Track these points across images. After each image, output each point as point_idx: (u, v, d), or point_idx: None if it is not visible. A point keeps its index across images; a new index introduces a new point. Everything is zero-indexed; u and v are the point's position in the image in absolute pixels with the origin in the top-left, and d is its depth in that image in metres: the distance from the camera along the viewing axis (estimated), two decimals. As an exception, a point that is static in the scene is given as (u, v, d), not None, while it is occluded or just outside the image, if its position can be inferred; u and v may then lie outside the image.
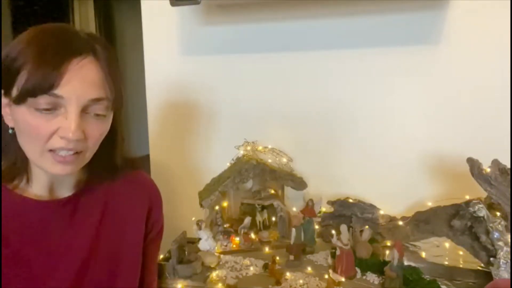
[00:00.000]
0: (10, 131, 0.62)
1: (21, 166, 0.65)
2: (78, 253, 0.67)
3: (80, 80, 0.58)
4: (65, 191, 0.70)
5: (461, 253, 1.03)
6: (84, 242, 0.69)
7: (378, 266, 0.99)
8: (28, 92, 0.56)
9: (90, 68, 0.59)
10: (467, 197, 1.01)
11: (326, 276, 0.97)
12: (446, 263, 1.01)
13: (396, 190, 1.30)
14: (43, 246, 0.65)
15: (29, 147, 0.61)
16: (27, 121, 0.58)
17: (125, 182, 0.77)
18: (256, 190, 1.26)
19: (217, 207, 1.23)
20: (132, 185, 0.79)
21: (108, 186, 0.75)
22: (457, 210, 1.00)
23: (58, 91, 0.56)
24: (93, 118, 0.61)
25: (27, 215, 0.64)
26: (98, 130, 0.63)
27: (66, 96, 0.57)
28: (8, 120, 0.62)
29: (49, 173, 0.63)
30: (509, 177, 0.95)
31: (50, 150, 0.60)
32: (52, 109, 0.58)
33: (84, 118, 0.60)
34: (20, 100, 0.57)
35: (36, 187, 0.66)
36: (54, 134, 0.58)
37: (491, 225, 0.91)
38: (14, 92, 0.57)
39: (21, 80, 0.56)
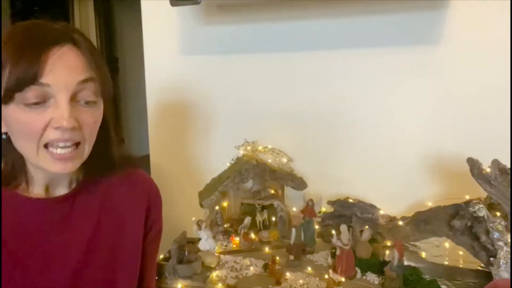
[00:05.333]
0: (4, 136, 0.61)
1: (19, 169, 0.64)
2: (75, 252, 0.67)
3: (64, 67, 0.57)
4: (61, 190, 0.69)
5: (461, 253, 1.02)
6: (82, 240, 0.68)
7: (378, 266, 0.99)
8: (14, 87, 0.55)
9: (71, 55, 0.59)
10: (467, 197, 1.01)
11: (326, 276, 0.97)
12: (446, 263, 1.01)
13: (396, 190, 1.30)
14: (40, 245, 0.64)
15: (25, 147, 0.60)
16: (18, 119, 0.57)
17: (123, 180, 0.77)
18: (256, 190, 1.26)
19: (217, 207, 1.23)
20: (130, 184, 0.78)
21: (106, 184, 0.74)
22: (457, 210, 1.00)
23: (43, 79, 0.55)
24: (84, 106, 0.61)
25: (23, 213, 0.64)
26: (91, 118, 0.62)
27: (53, 83, 0.56)
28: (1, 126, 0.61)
29: (49, 172, 0.62)
30: (509, 177, 0.95)
31: (46, 146, 0.59)
32: (42, 102, 0.57)
33: (75, 107, 0.59)
34: (7, 98, 0.56)
35: (35, 188, 0.66)
36: (48, 127, 0.58)
37: (491, 225, 0.91)
38: (1, 93, 0.56)
39: (4, 78, 0.55)
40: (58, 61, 0.57)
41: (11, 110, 0.57)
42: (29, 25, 0.60)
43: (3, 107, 0.58)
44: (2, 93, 0.56)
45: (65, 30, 0.61)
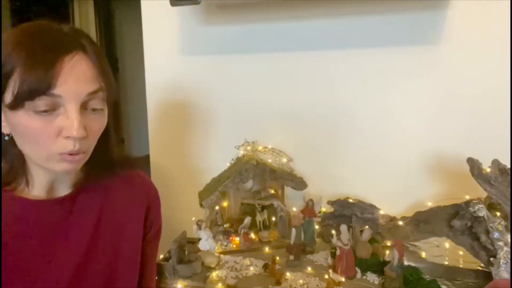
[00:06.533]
0: (6, 138, 0.61)
1: (19, 170, 0.64)
2: (75, 252, 0.67)
3: (76, 78, 0.58)
4: (64, 191, 0.69)
5: (461, 253, 1.03)
6: (82, 241, 0.68)
7: (378, 266, 0.99)
8: (25, 95, 0.55)
9: (82, 65, 0.59)
10: (467, 197, 1.01)
11: (326, 276, 0.97)
12: (446, 263, 1.01)
13: (396, 190, 1.30)
14: (40, 245, 0.64)
15: (34, 152, 0.60)
16: (26, 126, 0.57)
17: (123, 182, 0.77)
18: (256, 190, 1.26)
19: (217, 207, 1.23)
20: (129, 184, 0.79)
21: (106, 185, 0.74)
22: (457, 210, 1.00)
23: (56, 90, 0.56)
24: (92, 114, 0.61)
25: (23, 214, 0.64)
26: (98, 125, 0.63)
27: (64, 94, 0.56)
28: (3, 127, 0.60)
29: (54, 172, 0.63)
30: (509, 177, 0.95)
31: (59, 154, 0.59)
32: (51, 110, 0.57)
33: (84, 115, 0.60)
34: (16, 105, 0.56)
35: (35, 189, 0.66)
36: (59, 136, 0.58)
37: (491, 225, 0.91)
38: (8, 97, 0.56)
39: (14, 84, 0.55)
40: (70, 72, 0.57)
41: (19, 116, 0.57)
42: (39, 28, 0.60)
43: (11, 112, 0.57)
44: (12, 100, 0.56)
45: (74, 36, 0.61)
